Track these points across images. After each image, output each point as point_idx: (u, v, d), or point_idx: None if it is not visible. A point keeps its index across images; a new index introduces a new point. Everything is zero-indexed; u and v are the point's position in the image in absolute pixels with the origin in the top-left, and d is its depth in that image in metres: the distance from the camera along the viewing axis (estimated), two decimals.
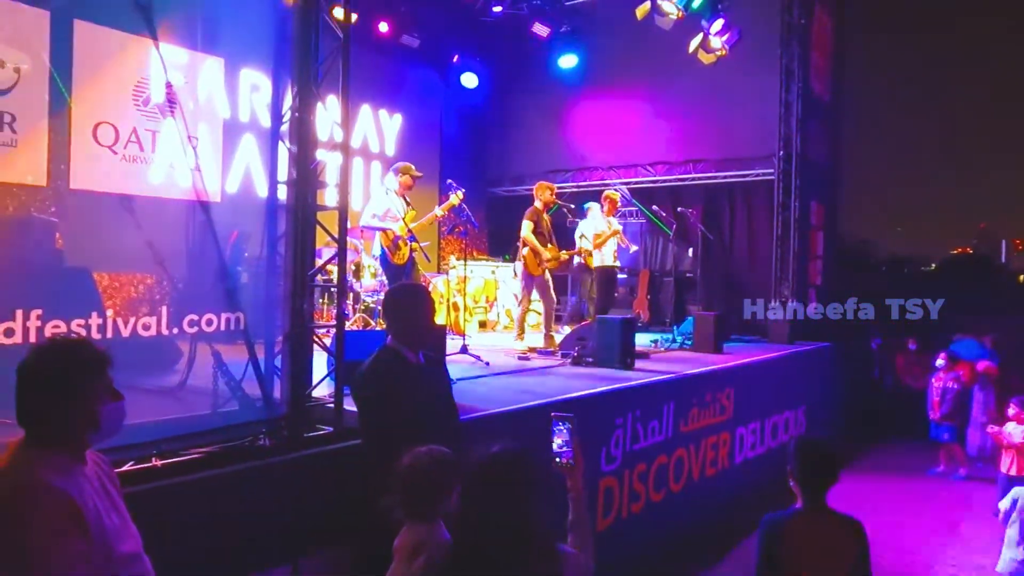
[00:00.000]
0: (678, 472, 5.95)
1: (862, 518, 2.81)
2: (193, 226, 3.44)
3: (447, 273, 9.41)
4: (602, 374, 6.07)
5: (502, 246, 11.59)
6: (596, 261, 8.18)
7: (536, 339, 7.61)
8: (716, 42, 9.42)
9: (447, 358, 5.26)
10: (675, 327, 9.07)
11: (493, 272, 10.27)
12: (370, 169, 11.02)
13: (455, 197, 6.83)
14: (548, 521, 2.03)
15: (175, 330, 3.26)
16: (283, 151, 3.83)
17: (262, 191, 3.85)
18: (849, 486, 6.88)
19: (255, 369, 3.61)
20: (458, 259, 8.78)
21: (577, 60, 11.70)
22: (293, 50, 3.81)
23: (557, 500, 2.34)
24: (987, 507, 6.86)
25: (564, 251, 7.81)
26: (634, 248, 9.16)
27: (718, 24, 9.28)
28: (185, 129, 3.34)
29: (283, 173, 3.83)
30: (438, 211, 7.02)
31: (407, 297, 3.30)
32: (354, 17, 4.13)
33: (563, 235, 8.14)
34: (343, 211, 4.00)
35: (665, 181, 11.39)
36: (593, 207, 8.48)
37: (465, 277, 7.64)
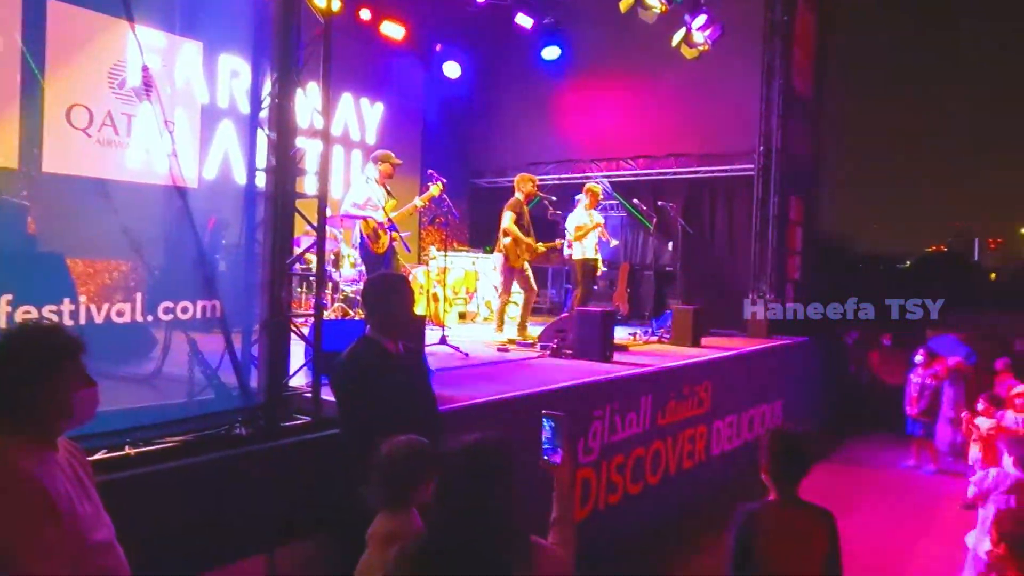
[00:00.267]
0: (655, 464, 6.00)
1: (834, 510, 2.85)
2: (170, 212, 3.39)
3: (427, 264, 9.37)
4: (581, 366, 6.09)
5: (483, 237, 11.58)
6: (577, 254, 8.20)
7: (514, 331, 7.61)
8: (699, 37, 9.46)
9: (426, 349, 5.25)
10: (654, 320, 9.13)
11: (474, 263, 10.25)
12: (351, 157, 10.94)
13: (435, 188, 6.80)
14: (525, 514, 2.03)
15: (150, 317, 3.22)
16: (262, 138, 3.79)
17: (240, 178, 3.81)
18: (822, 478, 6.97)
19: (232, 358, 3.57)
20: (438, 250, 8.75)
21: (560, 52, 11.68)
22: (273, 36, 3.75)
23: (540, 495, 2.35)
24: (957, 500, 7.00)
25: (541, 243, 7.81)
26: (614, 243, 9.18)
27: (701, 19, 9.31)
28: (162, 113, 3.29)
29: (262, 160, 3.79)
30: (418, 201, 6.99)
31: (386, 287, 3.29)
32: (336, 4, 4.08)
33: (545, 227, 8.14)
34: (323, 199, 3.96)
35: (647, 175, 11.43)
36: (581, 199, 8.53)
37: (445, 268, 7.62)
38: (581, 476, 5.02)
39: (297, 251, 4.02)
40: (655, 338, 8.45)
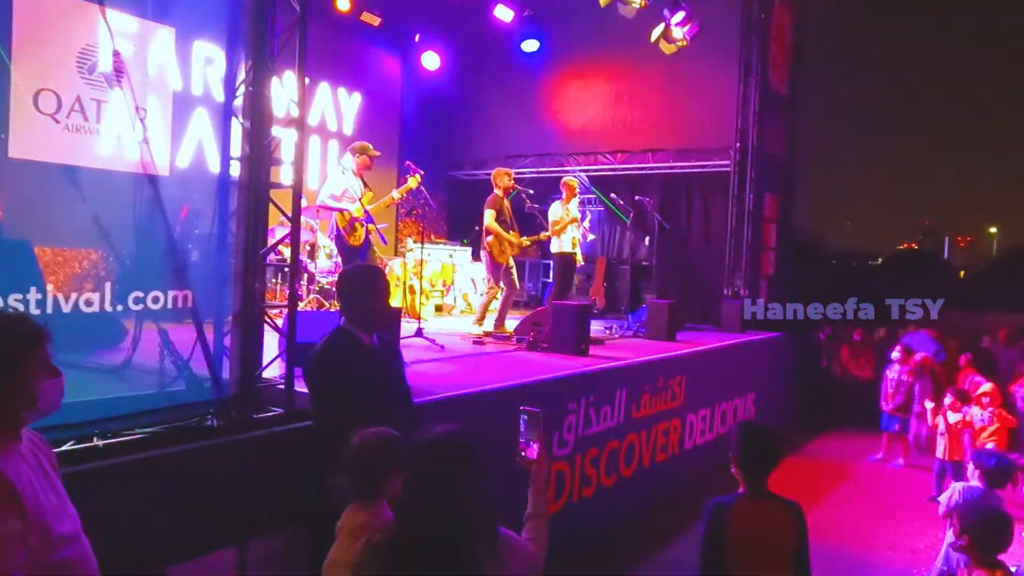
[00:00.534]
0: (629, 457, 6.04)
1: (803, 502, 2.90)
2: (141, 200, 3.34)
3: (404, 256, 9.34)
4: (556, 360, 6.11)
5: (461, 230, 11.56)
6: (554, 248, 8.22)
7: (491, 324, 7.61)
8: (678, 32, 9.50)
9: (402, 341, 5.23)
10: (630, 315, 9.18)
11: (451, 256, 10.23)
12: (327, 148, 10.85)
13: (413, 180, 6.76)
14: (499, 508, 2.04)
15: (120, 307, 3.17)
16: (236, 126, 3.74)
17: (214, 167, 3.75)
18: (792, 471, 7.07)
19: (204, 349, 3.53)
20: (415, 242, 8.72)
21: (539, 45, 11.68)
22: (248, 23, 3.70)
23: (515, 489, 2.36)
24: (923, 493, 7.15)
25: (526, 237, 7.82)
26: (591, 237, 9.22)
27: (679, 15, 9.35)
28: (133, 100, 3.23)
29: (236, 149, 3.74)
30: (395, 194, 6.95)
31: (361, 279, 3.27)
32: None
33: (522, 221, 8.14)
34: (297, 189, 3.93)
35: (624, 169, 11.47)
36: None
37: (422, 260, 7.60)
38: (555, 469, 5.05)
39: (271, 242, 3.97)
40: (631, 332, 8.49)
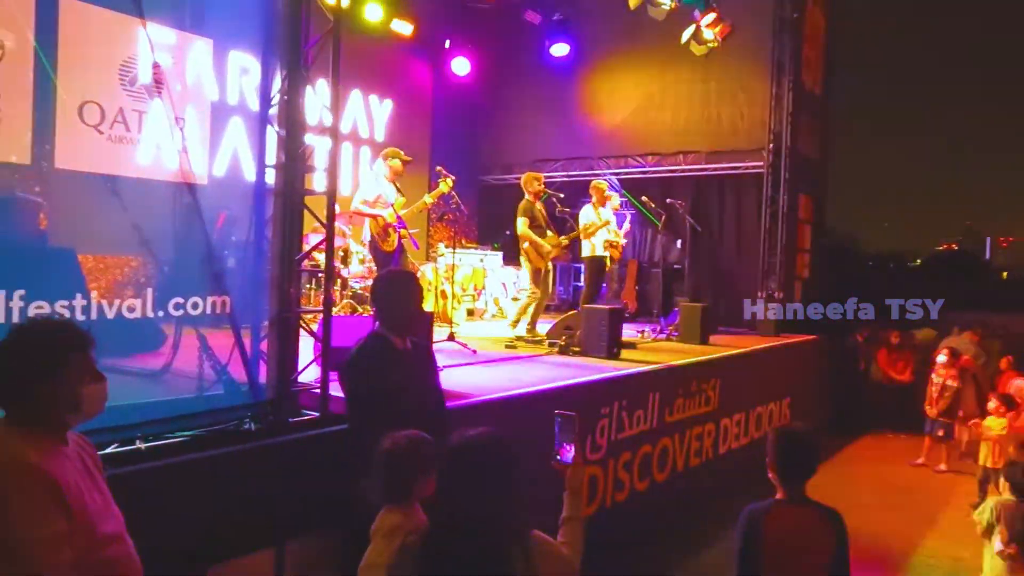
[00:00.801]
0: (663, 462, 5.99)
1: (840, 508, 2.84)
2: (180, 208, 3.41)
3: (436, 261, 9.39)
4: (588, 363, 6.09)
5: (491, 234, 11.59)
6: (586, 251, 8.22)
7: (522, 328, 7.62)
8: (708, 34, 9.43)
9: (434, 345, 5.26)
10: (662, 318, 9.12)
11: (481, 260, 10.25)
12: (359, 154, 10.96)
13: (444, 184, 6.80)
14: (530, 510, 2.04)
15: (160, 313, 3.24)
16: (272, 135, 3.80)
17: (249, 175, 3.82)
18: (827, 476, 6.95)
19: (241, 353, 3.60)
20: (447, 247, 8.77)
21: (569, 48, 11.66)
22: (283, 33, 3.77)
23: (550, 493, 2.36)
24: (966, 500, 6.97)
25: (564, 237, 7.83)
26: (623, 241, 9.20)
27: (710, 16, 9.28)
28: (172, 110, 3.30)
29: (271, 157, 3.81)
30: (427, 198, 6.99)
31: (395, 283, 3.30)
32: (345, 1, 4.10)
33: (553, 225, 8.14)
34: (331, 196, 3.98)
35: (655, 172, 11.40)
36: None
37: (453, 265, 7.63)
38: (589, 473, 5.03)
39: (305, 248, 4.03)
40: (663, 335, 8.44)
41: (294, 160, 3.78)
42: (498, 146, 12.81)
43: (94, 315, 2.98)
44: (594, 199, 8.30)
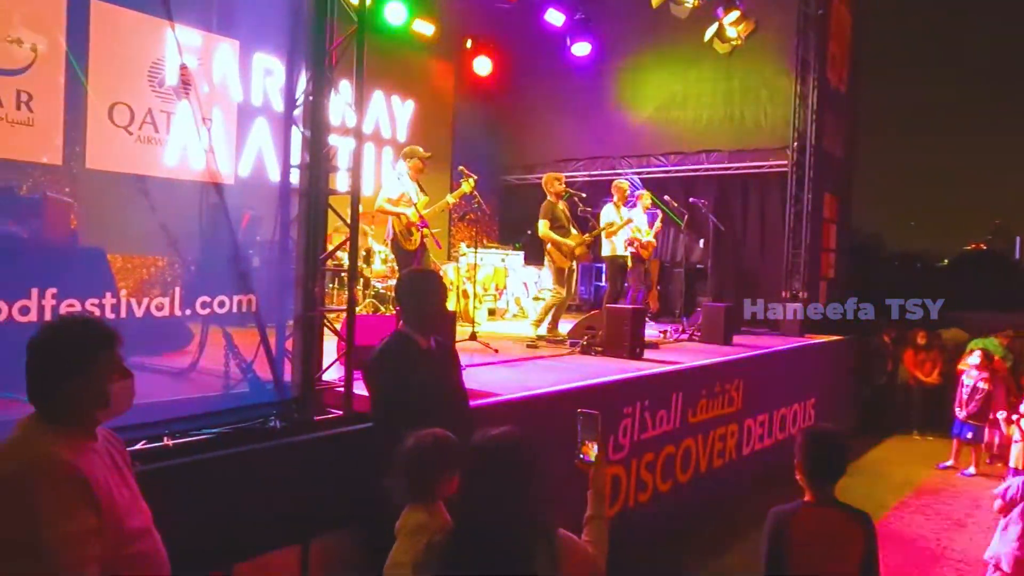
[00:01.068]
0: (686, 462, 5.95)
1: (868, 511, 2.80)
2: (206, 208, 3.45)
3: (457, 260, 9.41)
4: (611, 363, 6.07)
5: (513, 234, 11.59)
6: (606, 251, 8.20)
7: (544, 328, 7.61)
8: (732, 32, 9.36)
9: (456, 345, 5.27)
10: (685, 318, 9.07)
11: (503, 260, 10.26)
12: (382, 154, 11.01)
13: (467, 184, 6.81)
14: (554, 509, 2.04)
15: (188, 311, 3.28)
16: (296, 135, 3.83)
17: (274, 175, 3.86)
18: (853, 478, 6.86)
19: (267, 352, 3.63)
20: (468, 246, 8.78)
21: (591, 48, 11.63)
22: (307, 34, 3.80)
23: (574, 492, 2.35)
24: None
25: (587, 234, 7.81)
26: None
27: (734, 14, 9.21)
28: (199, 111, 3.34)
29: (295, 157, 3.84)
30: (450, 198, 7.01)
31: (419, 282, 3.32)
32: (368, 1, 4.11)
33: (575, 224, 8.13)
34: (355, 196, 4.00)
35: (678, 171, 11.32)
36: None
37: (475, 265, 7.64)
38: (611, 473, 5.01)
39: (329, 247, 4.06)
40: (685, 336, 8.38)
41: (318, 160, 3.81)
42: (519, 146, 12.81)
43: (123, 313, 3.02)
44: (616, 198, 8.29)
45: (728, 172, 10.92)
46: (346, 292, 4.15)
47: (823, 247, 10.37)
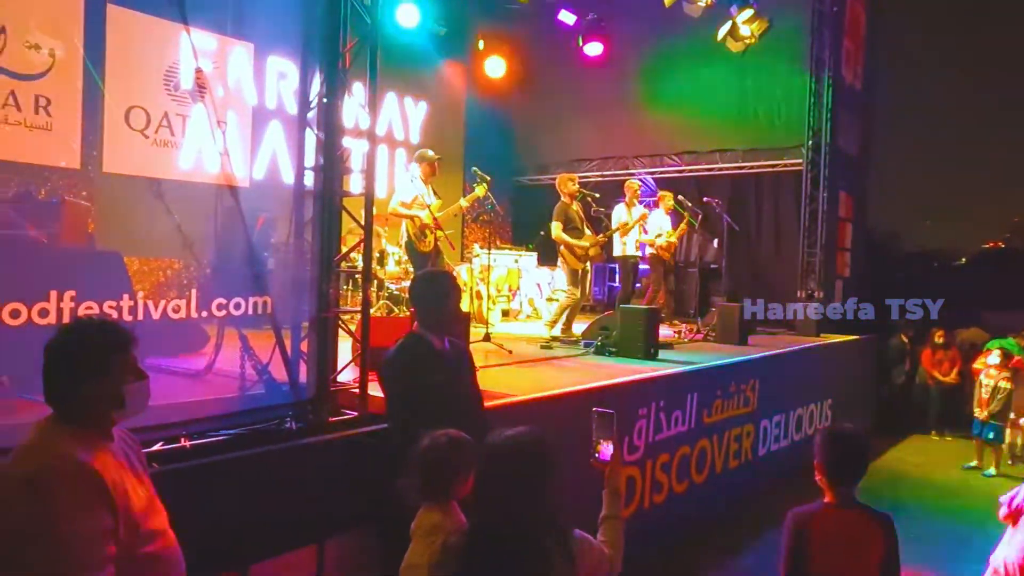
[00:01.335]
0: (701, 463, 5.92)
1: (887, 512, 2.77)
2: (221, 211, 3.47)
3: (471, 262, 9.42)
4: (625, 364, 6.05)
5: (526, 235, 11.58)
6: (617, 251, 8.19)
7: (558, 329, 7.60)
8: (745, 30, 9.31)
9: (470, 346, 5.27)
10: (699, 318, 9.03)
11: (516, 261, 10.25)
12: (395, 156, 11.04)
13: (480, 188, 6.81)
14: (569, 509, 2.03)
15: (204, 313, 3.30)
16: (309, 137, 3.84)
17: (288, 177, 3.87)
18: (871, 479, 6.78)
19: (282, 353, 3.64)
20: (481, 248, 8.79)
21: (603, 48, 11.60)
22: (321, 36, 3.81)
23: (589, 492, 2.35)
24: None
25: (601, 235, 7.80)
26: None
27: (747, 12, 9.15)
28: (214, 114, 3.36)
29: (309, 159, 3.85)
30: (463, 202, 7.03)
31: (434, 283, 3.31)
32: (381, 3, 4.12)
33: (589, 225, 8.12)
34: (369, 197, 4.01)
35: (691, 171, 11.28)
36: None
37: (489, 266, 7.64)
38: (626, 474, 4.99)
39: (343, 249, 4.07)
40: (700, 336, 8.35)
41: (332, 162, 3.82)
42: (532, 147, 12.81)
43: (140, 316, 3.04)
44: (627, 198, 8.28)
45: (742, 171, 10.86)
46: (360, 294, 4.16)
47: (839, 246, 10.29)
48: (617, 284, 9.62)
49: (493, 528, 1.97)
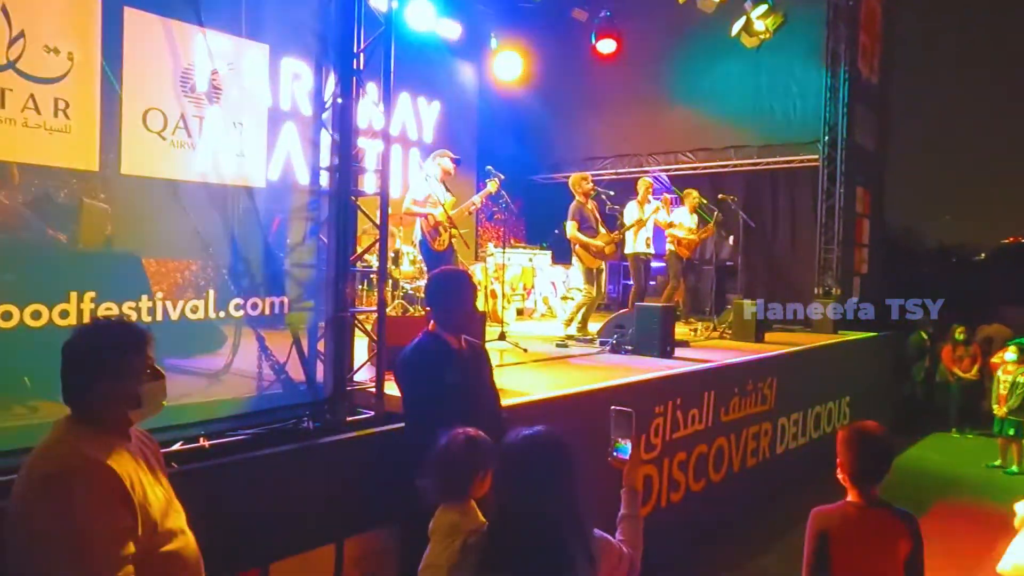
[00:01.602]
0: (718, 462, 5.89)
1: (909, 510, 2.73)
2: (238, 212, 3.48)
3: (485, 261, 9.42)
4: (641, 362, 6.03)
5: (540, 233, 11.56)
6: (628, 248, 8.17)
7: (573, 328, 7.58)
8: (760, 25, 9.24)
9: (485, 344, 5.27)
10: (715, 316, 8.98)
11: (530, 260, 10.24)
12: (408, 156, 11.06)
13: (492, 184, 6.80)
14: (588, 508, 2.02)
15: (222, 314, 3.31)
16: (324, 138, 3.85)
17: (303, 178, 3.88)
18: (891, 477, 6.72)
19: (298, 353, 3.66)
20: (496, 246, 8.78)
21: (616, 45, 11.54)
22: (336, 37, 3.82)
23: (607, 491, 2.33)
24: None
25: (616, 232, 7.79)
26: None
27: (761, 7, 9.08)
28: (230, 116, 3.38)
29: (324, 160, 3.86)
30: (476, 199, 7.01)
31: (450, 282, 3.31)
32: (395, 3, 4.13)
33: (604, 222, 8.10)
34: (384, 197, 4.02)
35: (706, 168, 11.21)
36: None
37: (503, 265, 7.64)
38: (643, 473, 4.96)
39: (358, 249, 4.08)
40: (716, 333, 8.30)
41: (347, 163, 3.83)
42: (546, 145, 12.78)
43: (159, 316, 3.06)
44: (640, 195, 8.26)
45: (757, 168, 10.78)
46: (376, 293, 4.17)
47: (856, 242, 10.19)
48: (631, 282, 9.59)
49: (512, 528, 1.96)
